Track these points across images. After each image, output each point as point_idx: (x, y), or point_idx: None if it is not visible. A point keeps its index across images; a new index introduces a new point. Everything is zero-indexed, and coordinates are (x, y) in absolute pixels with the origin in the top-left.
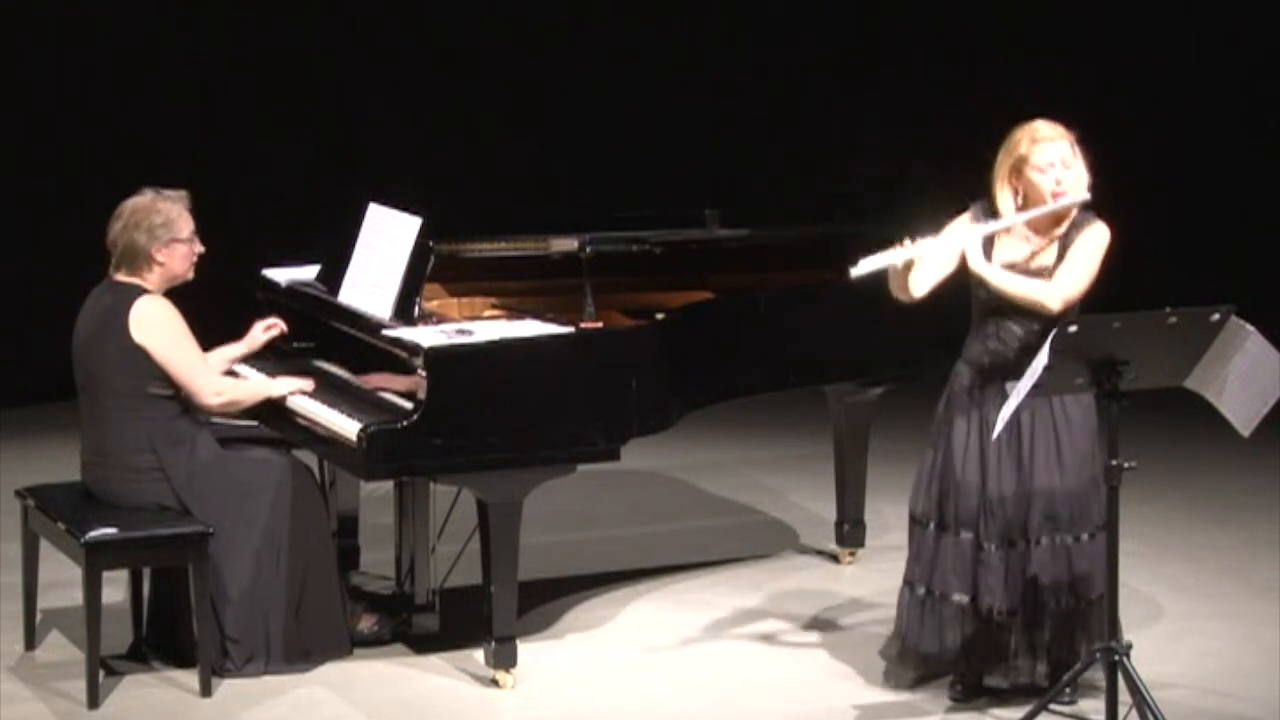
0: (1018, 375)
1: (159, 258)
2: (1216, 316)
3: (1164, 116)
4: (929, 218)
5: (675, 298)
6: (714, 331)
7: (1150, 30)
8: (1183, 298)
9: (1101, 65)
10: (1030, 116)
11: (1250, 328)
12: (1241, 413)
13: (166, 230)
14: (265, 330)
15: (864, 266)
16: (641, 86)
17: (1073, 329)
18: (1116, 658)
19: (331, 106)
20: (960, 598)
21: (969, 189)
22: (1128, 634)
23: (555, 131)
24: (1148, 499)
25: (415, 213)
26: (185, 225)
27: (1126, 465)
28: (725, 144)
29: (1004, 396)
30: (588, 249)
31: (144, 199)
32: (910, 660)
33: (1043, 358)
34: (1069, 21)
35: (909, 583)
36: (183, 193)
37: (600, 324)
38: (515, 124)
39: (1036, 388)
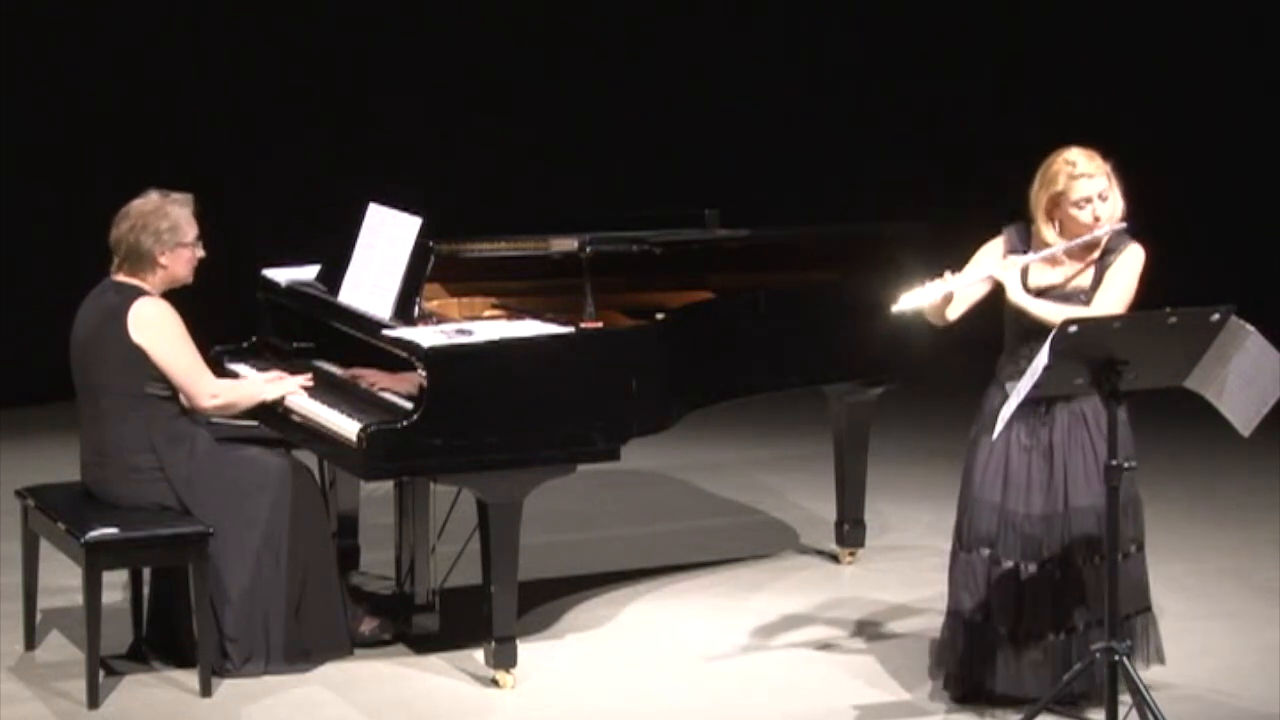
0: None
1: (163, 261)
2: (1216, 316)
3: (1163, 116)
4: (929, 219)
5: (675, 298)
6: (714, 331)
7: (1149, 30)
8: (1183, 298)
9: (1100, 65)
10: (1060, 140)
11: (1250, 328)
12: (1241, 413)
13: (173, 235)
14: (269, 381)
15: (905, 303)
16: (641, 86)
17: (1073, 329)
18: (1116, 658)
19: (333, 106)
20: (975, 616)
21: (970, 192)
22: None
23: (555, 131)
24: (1148, 499)
25: (415, 213)
26: (191, 230)
27: (1126, 465)
28: (725, 144)
29: (1033, 417)
30: (588, 249)
31: (152, 202)
32: (941, 679)
33: (1043, 358)
34: (1067, 22)
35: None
36: (189, 196)
37: (600, 324)
38: (515, 124)
39: (1036, 388)
